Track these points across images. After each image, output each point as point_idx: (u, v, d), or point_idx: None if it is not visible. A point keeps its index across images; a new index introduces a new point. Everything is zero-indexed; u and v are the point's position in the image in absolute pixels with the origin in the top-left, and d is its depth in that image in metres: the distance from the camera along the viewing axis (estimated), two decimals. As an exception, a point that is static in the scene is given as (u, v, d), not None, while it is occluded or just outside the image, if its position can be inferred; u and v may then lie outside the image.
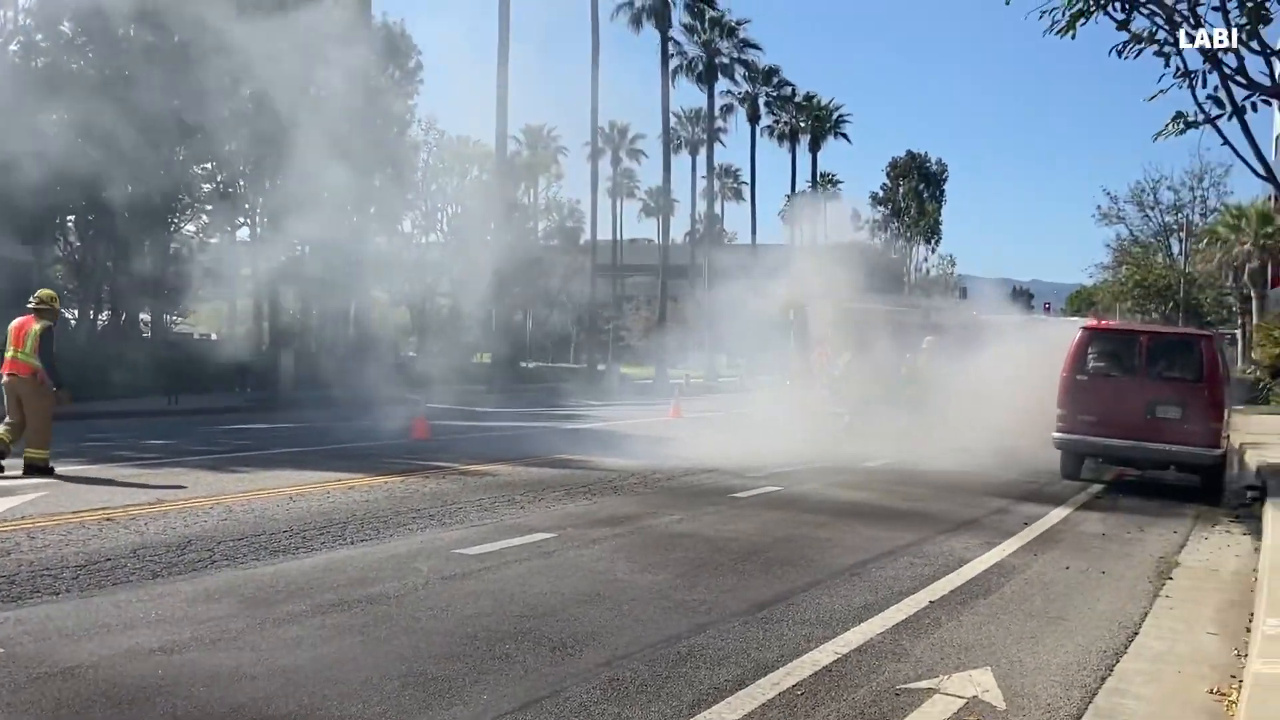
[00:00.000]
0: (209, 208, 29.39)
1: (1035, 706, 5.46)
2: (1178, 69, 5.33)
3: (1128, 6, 5.36)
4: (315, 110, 19.44)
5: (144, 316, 32.12)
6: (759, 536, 9.83)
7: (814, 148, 76.12)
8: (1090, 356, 15.62)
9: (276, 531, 8.96)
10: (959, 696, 5.51)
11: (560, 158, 65.42)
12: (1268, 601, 6.99)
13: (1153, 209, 57.80)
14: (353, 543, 8.70)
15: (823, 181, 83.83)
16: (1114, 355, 15.65)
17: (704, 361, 49.72)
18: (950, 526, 10.94)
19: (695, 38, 57.56)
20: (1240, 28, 4.87)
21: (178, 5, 17.51)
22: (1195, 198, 55.68)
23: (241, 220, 31.85)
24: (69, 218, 28.91)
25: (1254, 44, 4.88)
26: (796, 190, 78.86)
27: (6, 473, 11.49)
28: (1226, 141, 5.07)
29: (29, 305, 12.31)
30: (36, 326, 11.96)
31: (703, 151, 63.23)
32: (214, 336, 39.12)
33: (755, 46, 61.89)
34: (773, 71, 67.34)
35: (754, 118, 67.41)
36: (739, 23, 58.90)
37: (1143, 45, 5.41)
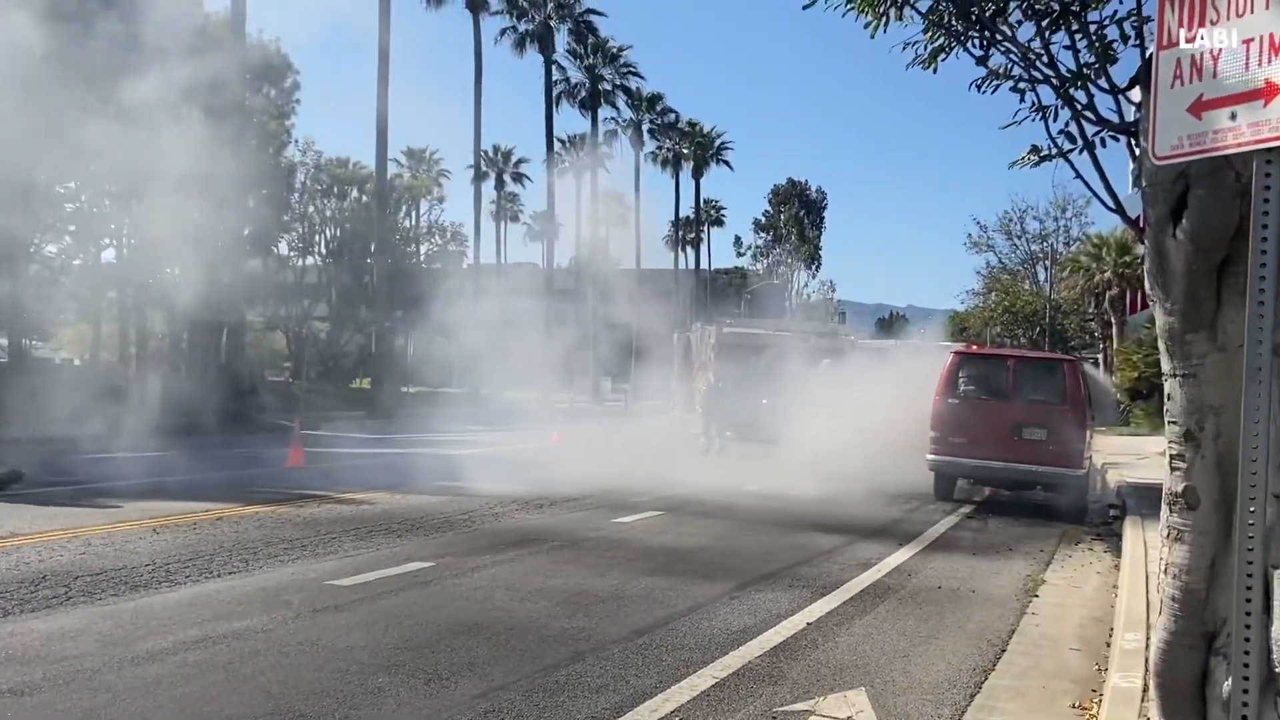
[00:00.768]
0: (72, 228, 28.19)
1: (907, 726, 5.55)
2: (1033, 104, 5.53)
3: (986, 43, 5.53)
4: (183, 130, 18.88)
5: (1, 341, 30.64)
6: (640, 561, 9.82)
7: (697, 174, 77.07)
8: (961, 380, 16.09)
9: (138, 565, 8.60)
10: (834, 718, 5.57)
11: (443, 180, 64.83)
12: (1126, 618, 7.27)
13: (1020, 238, 60.11)
14: (219, 575, 8.39)
15: (706, 208, 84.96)
16: (983, 379, 16.14)
17: (588, 386, 49.74)
18: (823, 551, 11.10)
19: (579, 63, 57.81)
20: (1090, 66, 5.08)
21: (34, 19, 16.81)
22: (1059, 227, 58.10)
23: (107, 241, 30.69)
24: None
25: (1103, 82, 5.09)
26: (680, 216, 79.85)
27: None
28: (1079, 175, 5.28)
29: None
30: None
31: (588, 176, 63.42)
32: (76, 361, 37.51)
33: (638, 74, 62.48)
34: (656, 98, 68.06)
35: (638, 144, 67.98)
36: (621, 49, 59.36)
37: (1000, 80, 5.60)
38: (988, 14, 5.46)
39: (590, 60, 57.71)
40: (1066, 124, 5.33)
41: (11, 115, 16.85)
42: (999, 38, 5.43)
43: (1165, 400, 4.02)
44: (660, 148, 73.05)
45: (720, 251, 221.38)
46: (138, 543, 9.61)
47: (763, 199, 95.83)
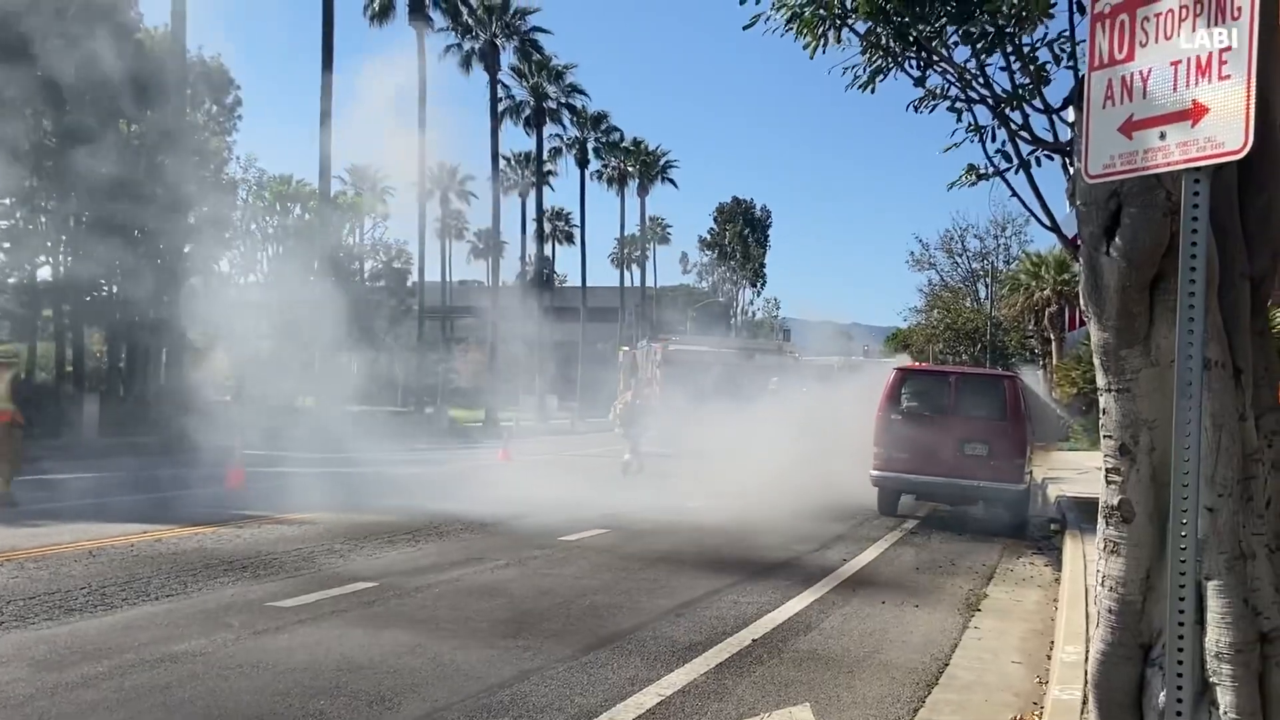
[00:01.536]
0: (6, 245, 27.59)
1: (852, 740, 5.58)
2: (970, 124, 5.63)
3: (923, 65, 5.63)
4: (122, 145, 18.60)
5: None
6: (586, 579, 9.79)
7: (642, 192, 77.30)
8: (904, 396, 16.24)
9: (73, 589, 8.40)
10: (779, 734, 5.58)
11: (387, 198, 64.41)
12: (1066, 630, 7.37)
13: (961, 256, 60.91)
14: (157, 598, 8.22)
15: (652, 225, 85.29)
16: (925, 395, 16.30)
17: (534, 404, 49.56)
18: (768, 566, 11.14)
19: (524, 82, 57.70)
20: (1024, 87, 5.19)
21: None
22: (999, 245, 58.95)
23: (43, 259, 30.07)
24: None
25: (1037, 102, 5.20)
26: (626, 233, 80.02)
27: None
28: (1015, 194, 5.38)
29: None
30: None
31: (533, 194, 63.28)
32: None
33: (582, 92, 62.54)
34: (601, 117, 68.15)
35: (583, 162, 67.95)
36: (566, 67, 59.34)
37: (937, 101, 5.70)
38: (925, 35, 5.56)
39: (535, 79, 57.64)
40: (1003, 144, 5.44)
41: None
42: (936, 59, 5.53)
43: (1100, 415, 4.09)
44: (606, 166, 73.15)
45: (667, 269, 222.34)
46: (73, 565, 9.39)
47: (708, 216, 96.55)
